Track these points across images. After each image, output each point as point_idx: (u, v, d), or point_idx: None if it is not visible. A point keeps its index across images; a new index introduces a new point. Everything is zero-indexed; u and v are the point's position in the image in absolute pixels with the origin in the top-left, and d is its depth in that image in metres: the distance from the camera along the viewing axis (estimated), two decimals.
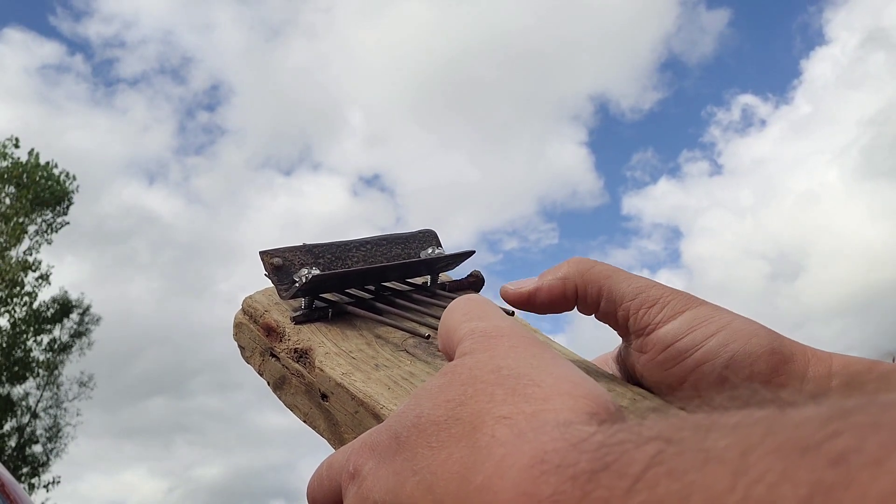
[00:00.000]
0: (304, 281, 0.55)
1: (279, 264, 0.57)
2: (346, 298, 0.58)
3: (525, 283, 0.48)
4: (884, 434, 0.17)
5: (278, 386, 0.54)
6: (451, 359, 0.35)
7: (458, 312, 0.36)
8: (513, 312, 0.50)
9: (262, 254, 0.57)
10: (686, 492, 0.19)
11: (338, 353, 0.50)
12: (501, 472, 0.25)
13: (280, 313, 0.56)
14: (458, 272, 0.65)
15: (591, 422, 0.25)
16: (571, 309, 0.48)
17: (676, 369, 0.43)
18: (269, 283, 0.59)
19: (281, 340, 0.54)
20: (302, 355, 0.52)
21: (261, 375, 0.56)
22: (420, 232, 0.65)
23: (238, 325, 0.58)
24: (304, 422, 0.52)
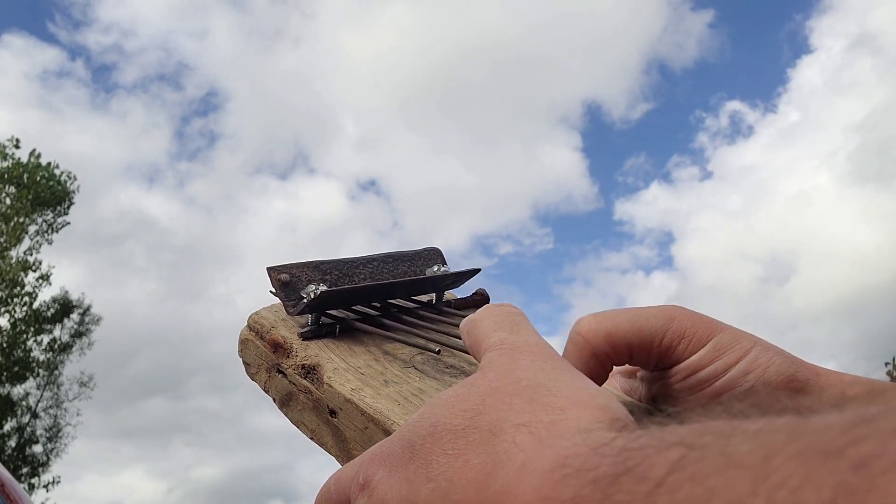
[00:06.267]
0: (311, 297, 0.55)
1: (286, 280, 0.57)
2: (352, 315, 0.58)
3: None
4: None
5: (285, 402, 0.54)
6: (475, 357, 0.36)
7: (492, 319, 0.37)
8: None
9: (270, 270, 0.57)
10: (708, 496, 0.19)
11: (346, 370, 0.50)
12: (521, 476, 0.25)
13: (287, 329, 0.56)
14: (464, 290, 0.65)
15: (611, 429, 0.26)
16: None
17: (695, 398, 0.43)
18: (270, 300, 0.59)
19: (288, 356, 0.54)
20: (310, 371, 0.52)
21: (266, 392, 0.56)
22: (426, 250, 0.65)
23: (244, 342, 0.58)
24: (312, 438, 0.52)
